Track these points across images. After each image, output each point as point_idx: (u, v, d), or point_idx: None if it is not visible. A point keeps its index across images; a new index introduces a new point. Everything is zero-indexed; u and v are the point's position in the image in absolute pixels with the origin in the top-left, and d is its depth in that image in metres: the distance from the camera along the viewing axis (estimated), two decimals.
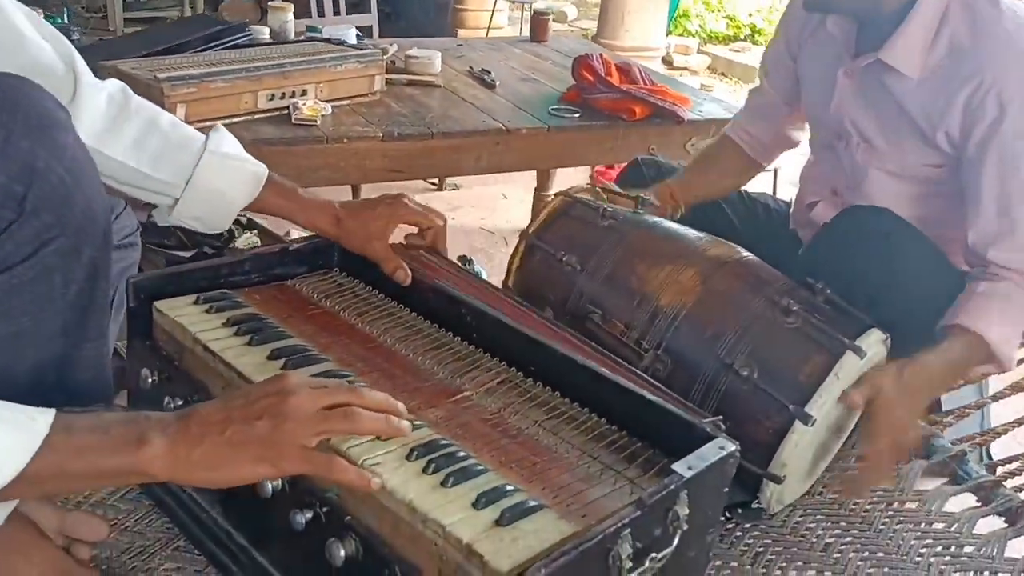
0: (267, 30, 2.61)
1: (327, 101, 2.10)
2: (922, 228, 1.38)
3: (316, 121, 2.02)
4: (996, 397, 1.50)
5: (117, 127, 1.16)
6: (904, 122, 1.38)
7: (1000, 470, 1.39)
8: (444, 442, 0.90)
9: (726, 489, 0.94)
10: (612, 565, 0.79)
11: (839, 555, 1.19)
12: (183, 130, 1.21)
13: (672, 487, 0.84)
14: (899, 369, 1.21)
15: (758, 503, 1.22)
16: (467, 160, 2.15)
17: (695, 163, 1.71)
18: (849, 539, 1.22)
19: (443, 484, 0.84)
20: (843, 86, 1.47)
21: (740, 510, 1.22)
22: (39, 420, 0.73)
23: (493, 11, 5.48)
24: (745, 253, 1.31)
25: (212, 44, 2.29)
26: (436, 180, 3.79)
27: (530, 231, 1.38)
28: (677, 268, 1.26)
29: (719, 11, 7.43)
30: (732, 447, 0.92)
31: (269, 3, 2.73)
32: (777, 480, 1.15)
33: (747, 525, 1.23)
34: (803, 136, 1.70)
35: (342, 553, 0.85)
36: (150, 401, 1.08)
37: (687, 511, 0.86)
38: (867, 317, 1.21)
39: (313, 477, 0.89)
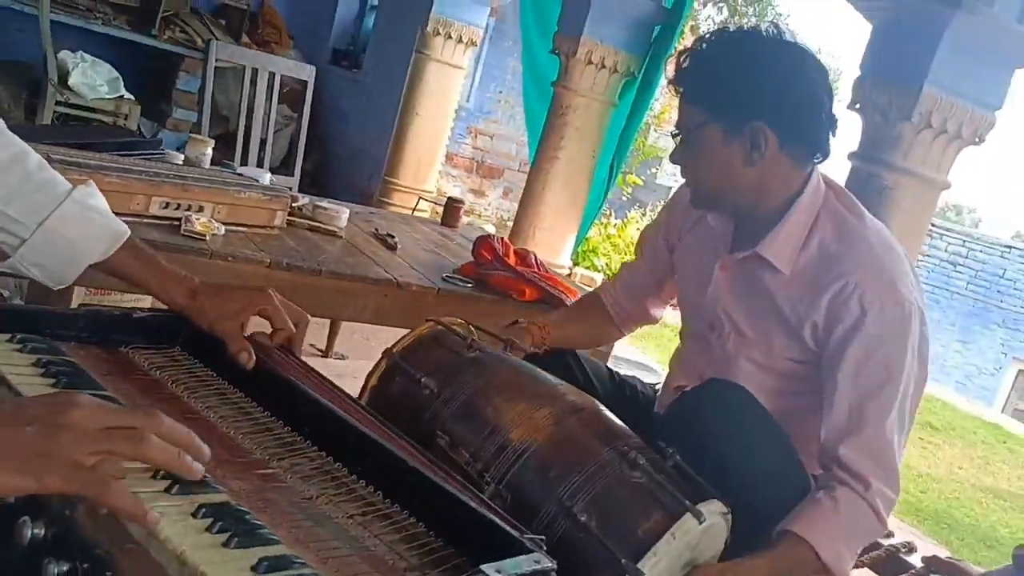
0: (182, 157, 2.62)
1: (223, 223, 2.08)
2: (782, 424, 1.40)
3: (206, 237, 1.99)
4: None
5: None
6: (773, 314, 1.45)
7: None
8: (239, 508, 0.82)
9: None
10: None
11: None
12: (49, 174, 1.16)
13: None
14: (722, 571, 1.18)
15: None
16: (353, 306, 2.13)
17: (568, 310, 1.82)
18: None
19: (225, 544, 0.75)
20: (719, 278, 1.53)
21: None
22: None
23: (415, 208, 5.67)
24: (603, 407, 1.30)
25: (123, 152, 2.29)
26: (323, 347, 3.73)
27: (394, 350, 1.34)
28: (532, 407, 1.23)
29: (626, 253, 7.86)
30: (550, 564, 0.85)
31: (190, 135, 2.77)
32: None
33: None
34: (661, 314, 1.80)
35: None
36: None
37: None
38: (711, 488, 1.19)
39: (82, 527, 0.79)
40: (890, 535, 1.68)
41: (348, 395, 1.14)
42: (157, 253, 1.23)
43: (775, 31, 1.44)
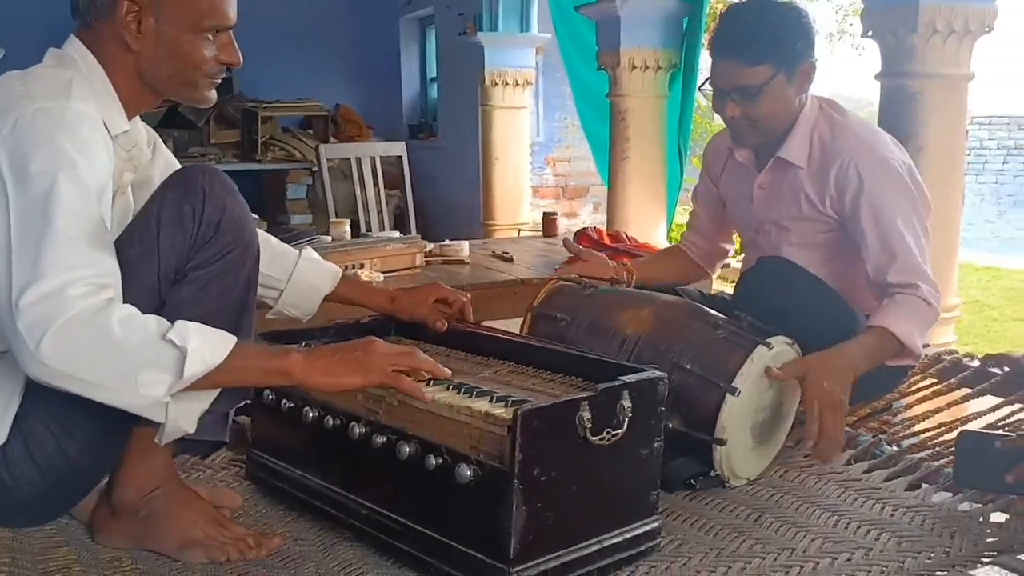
0: (330, 238, 3.26)
1: (381, 272, 2.68)
2: (831, 282, 1.87)
3: (371, 284, 2.59)
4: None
5: None
6: (804, 202, 1.91)
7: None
8: (471, 383, 1.37)
9: (663, 409, 1.37)
10: (579, 424, 1.23)
11: (776, 503, 1.57)
12: (283, 246, 1.76)
13: (618, 384, 1.29)
14: (823, 354, 1.65)
15: (715, 472, 1.61)
16: (494, 307, 2.67)
17: (652, 257, 2.27)
18: (786, 496, 1.61)
19: (469, 395, 1.31)
20: (757, 195, 2.01)
21: (702, 478, 1.61)
22: (231, 336, 1.23)
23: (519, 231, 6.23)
24: (691, 301, 1.80)
25: (291, 243, 2.93)
26: None
27: (534, 305, 1.88)
28: (637, 310, 1.75)
29: None
30: (662, 374, 1.36)
31: (331, 221, 3.42)
32: (721, 443, 1.56)
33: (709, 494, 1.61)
34: (732, 246, 2.26)
35: (406, 450, 1.29)
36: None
37: (631, 405, 1.29)
38: (776, 329, 1.67)
39: (383, 413, 1.35)
40: (954, 352, 2.10)
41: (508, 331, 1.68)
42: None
43: None
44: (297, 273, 1.73)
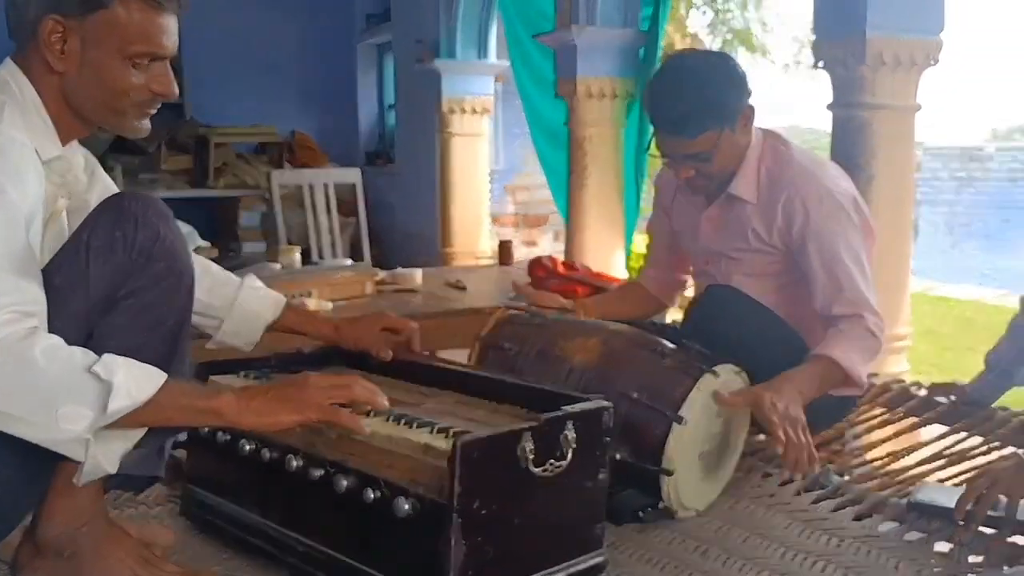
0: (279, 265, 3.21)
1: (329, 300, 2.64)
2: (778, 309, 1.87)
3: (318, 313, 2.54)
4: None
5: None
6: (752, 235, 1.92)
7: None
8: (409, 414, 1.33)
9: (608, 439, 1.34)
10: (521, 455, 1.20)
11: (724, 535, 1.55)
12: (225, 273, 1.71)
13: (561, 414, 1.26)
14: (771, 382, 1.65)
15: (664, 504, 1.59)
16: (446, 336, 2.64)
17: (610, 292, 2.26)
18: (734, 528, 1.59)
19: (409, 426, 1.27)
20: (705, 227, 2.01)
21: (650, 509, 1.59)
22: (161, 372, 1.18)
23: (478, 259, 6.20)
24: (638, 329, 1.78)
25: (236, 271, 2.88)
26: None
27: (483, 334, 1.86)
28: (585, 339, 1.73)
29: None
30: (607, 404, 1.34)
31: (280, 247, 3.37)
32: (668, 473, 1.54)
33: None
34: (687, 278, 2.26)
35: (344, 483, 1.25)
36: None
37: (575, 435, 1.27)
38: (723, 358, 1.66)
39: (323, 451, 1.31)
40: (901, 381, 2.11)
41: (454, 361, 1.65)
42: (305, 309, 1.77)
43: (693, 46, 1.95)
44: (239, 302, 1.68)
